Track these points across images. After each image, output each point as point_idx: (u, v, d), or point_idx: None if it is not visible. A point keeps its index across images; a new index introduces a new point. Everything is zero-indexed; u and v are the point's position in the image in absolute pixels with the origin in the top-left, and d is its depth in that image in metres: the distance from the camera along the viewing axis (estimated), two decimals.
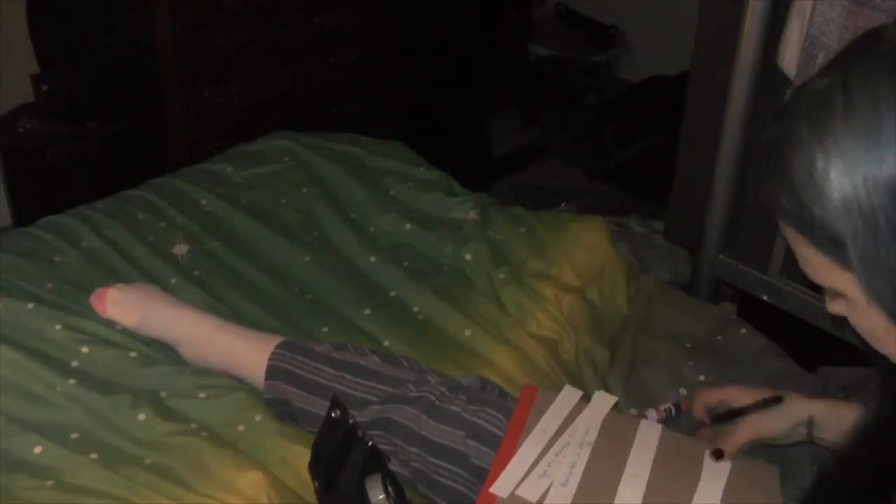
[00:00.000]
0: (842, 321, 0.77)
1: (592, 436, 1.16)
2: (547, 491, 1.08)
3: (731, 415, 1.16)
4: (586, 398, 1.24)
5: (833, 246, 0.69)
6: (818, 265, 0.73)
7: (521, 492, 1.08)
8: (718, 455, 1.12)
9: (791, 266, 1.72)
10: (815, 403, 1.12)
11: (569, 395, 1.23)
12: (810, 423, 1.11)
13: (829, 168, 0.67)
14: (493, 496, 1.08)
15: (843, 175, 0.66)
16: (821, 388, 1.41)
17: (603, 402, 1.23)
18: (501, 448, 1.14)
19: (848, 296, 0.73)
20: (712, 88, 1.73)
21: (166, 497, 1.13)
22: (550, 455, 1.13)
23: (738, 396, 1.16)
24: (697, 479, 1.12)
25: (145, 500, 1.13)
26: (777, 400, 1.13)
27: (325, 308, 1.53)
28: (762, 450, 1.18)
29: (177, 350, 1.38)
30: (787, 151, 0.70)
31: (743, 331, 1.55)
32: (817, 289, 0.77)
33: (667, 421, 1.27)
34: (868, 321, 0.73)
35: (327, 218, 1.72)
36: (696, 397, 1.21)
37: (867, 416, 0.83)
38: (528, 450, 1.14)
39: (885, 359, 0.77)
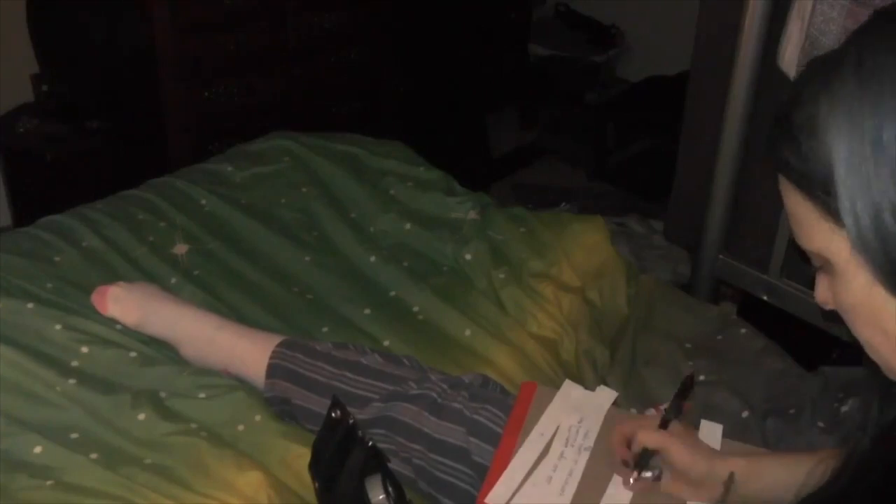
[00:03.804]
0: (833, 315, 0.75)
1: (591, 439, 1.15)
2: (543, 501, 1.07)
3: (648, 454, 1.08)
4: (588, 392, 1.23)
5: (822, 189, 0.68)
6: (806, 219, 0.71)
7: (516, 501, 1.07)
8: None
9: (791, 266, 1.72)
10: (738, 461, 1.03)
11: (569, 392, 1.22)
12: (730, 480, 1.02)
13: (832, 112, 0.66)
14: None
15: (844, 118, 0.66)
16: (820, 388, 1.41)
17: (604, 398, 1.23)
18: (498, 451, 1.13)
19: (832, 259, 0.71)
20: (712, 88, 1.73)
21: (166, 497, 1.13)
22: (547, 462, 1.11)
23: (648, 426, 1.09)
24: None
25: (145, 500, 1.12)
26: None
27: (325, 308, 1.53)
28: None
29: (177, 349, 1.38)
30: (794, 107, 0.70)
31: (743, 331, 1.55)
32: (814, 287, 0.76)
33: None
34: (852, 296, 0.71)
35: (327, 218, 1.72)
36: (615, 432, 1.12)
37: (867, 429, 0.77)
38: (524, 456, 1.12)
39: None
